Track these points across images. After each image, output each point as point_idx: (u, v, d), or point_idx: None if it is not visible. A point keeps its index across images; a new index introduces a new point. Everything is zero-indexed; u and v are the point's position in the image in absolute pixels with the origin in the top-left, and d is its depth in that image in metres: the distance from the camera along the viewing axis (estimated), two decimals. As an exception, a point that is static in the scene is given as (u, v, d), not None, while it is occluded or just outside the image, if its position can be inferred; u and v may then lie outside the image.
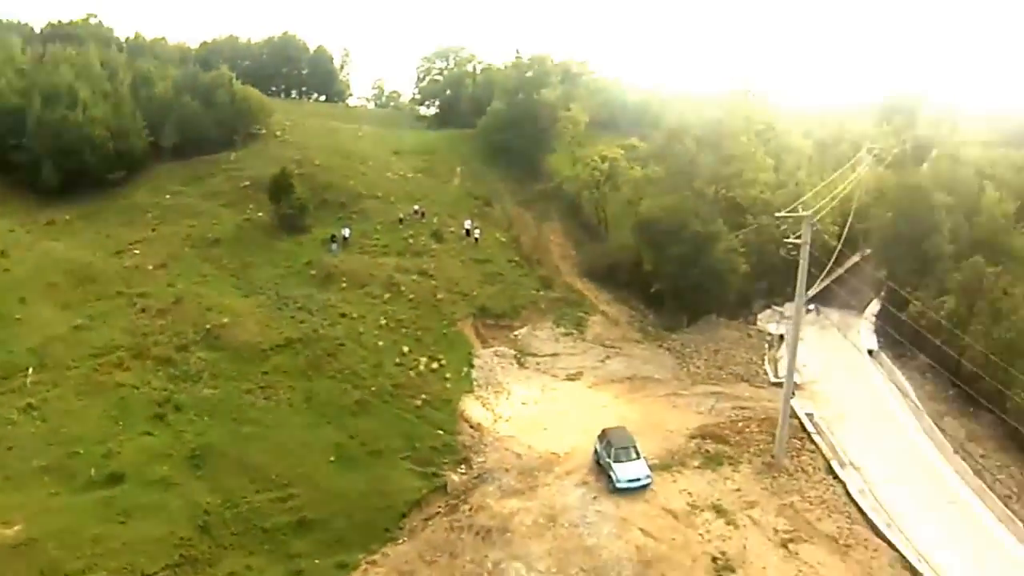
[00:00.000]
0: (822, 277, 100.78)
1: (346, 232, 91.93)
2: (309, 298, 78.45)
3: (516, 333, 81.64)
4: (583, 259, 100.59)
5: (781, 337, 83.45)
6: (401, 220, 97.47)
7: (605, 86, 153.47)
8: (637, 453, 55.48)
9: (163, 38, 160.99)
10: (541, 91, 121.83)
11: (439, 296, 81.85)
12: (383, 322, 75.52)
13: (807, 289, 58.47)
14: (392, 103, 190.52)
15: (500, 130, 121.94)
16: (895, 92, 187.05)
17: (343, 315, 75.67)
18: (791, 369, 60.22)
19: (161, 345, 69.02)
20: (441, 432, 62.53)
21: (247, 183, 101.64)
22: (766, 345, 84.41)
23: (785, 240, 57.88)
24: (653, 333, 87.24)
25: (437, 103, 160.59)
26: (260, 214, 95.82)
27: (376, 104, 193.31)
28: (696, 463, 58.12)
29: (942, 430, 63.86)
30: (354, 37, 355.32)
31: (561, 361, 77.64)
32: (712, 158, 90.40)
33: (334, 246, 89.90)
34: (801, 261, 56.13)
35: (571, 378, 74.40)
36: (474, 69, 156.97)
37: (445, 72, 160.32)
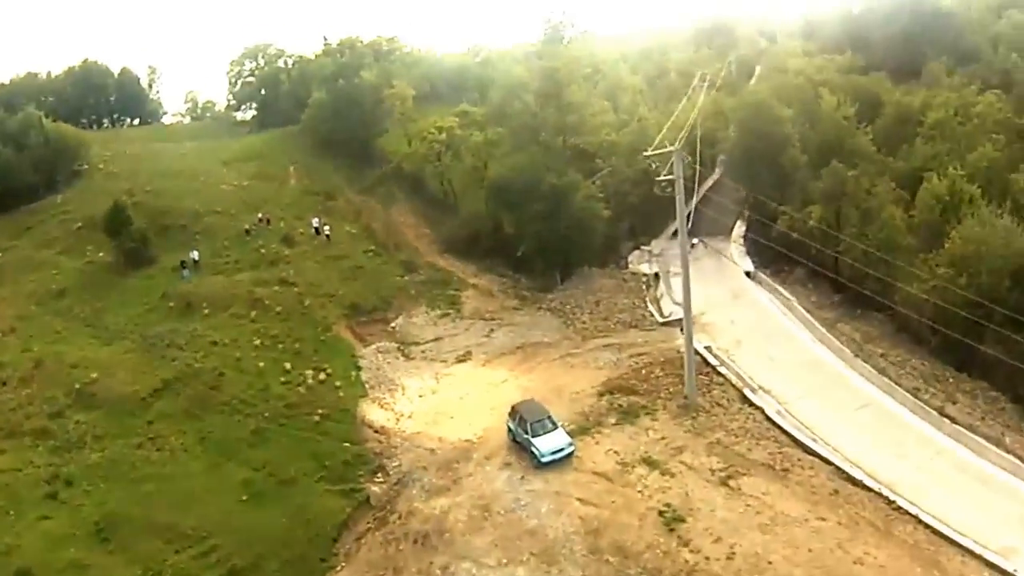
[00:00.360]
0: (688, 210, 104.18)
1: (195, 255, 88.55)
2: (175, 332, 74.92)
3: (393, 325, 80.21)
4: (439, 235, 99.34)
5: (656, 276, 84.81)
6: (247, 231, 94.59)
7: (420, 58, 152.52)
8: (553, 423, 54.66)
9: None
10: (360, 74, 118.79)
11: (306, 303, 79.58)
12: (257, 342, 72.97)
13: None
14: (208, 113, 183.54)
15: (325, 120, 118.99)
16: (708, 14, 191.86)
17: (214, 343, 72.69)
18: (688, 306, 60.20)
19: (33, 417, 64.53)
20: (348, 444, 60.84)
21: (80, 224, 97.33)
22: (644, 287, 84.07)
23: (658, 178, 57.63)
24: (530, 297, 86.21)
25: (254, 105, 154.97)
26: (101, 254, 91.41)
27: (192, 118, 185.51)
28: (613, 420, 57.69)
29: (838, 337, 64.91)
30: (156, 52, 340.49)
31: (446, 344, 76.55)
32: (552, 110, 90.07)
33: (185, 272, 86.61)
34: (677, 196, 56.54)
35: (461, 360, 73.35)
36: (287, 64, 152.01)
37: (256, 72, 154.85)
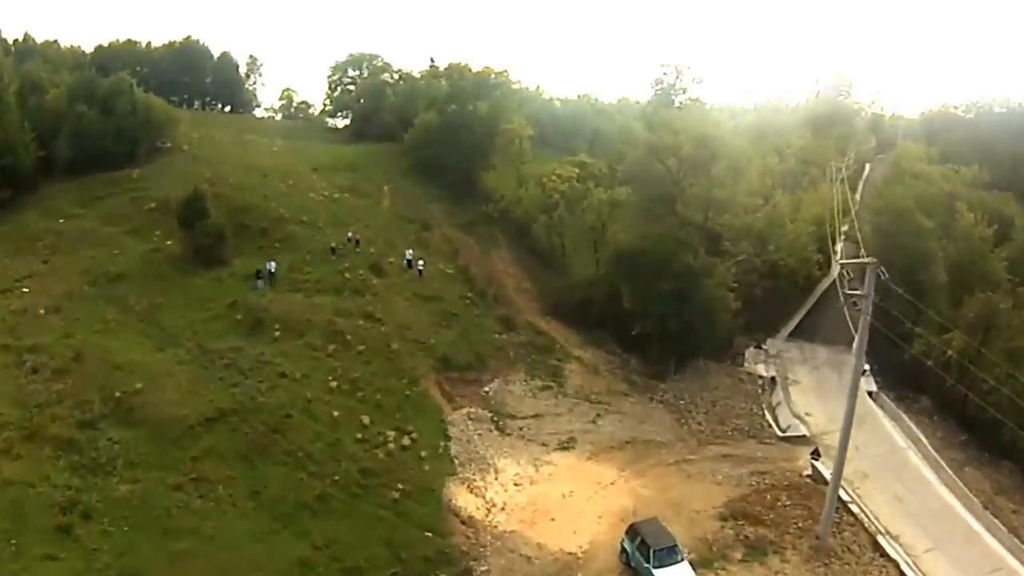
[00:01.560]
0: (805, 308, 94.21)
1: (272, 265, 78.17)
2: (238, 352, 64.23)
3: (487, 389, 69.31)
4: (543, 293, 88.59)
5: (773, 380, 78.32)
6: (334, 250, 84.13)
7: (529, 97, 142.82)
8: (679, 554, 46.84)
9: (55, 41, 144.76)
10: (476, 103, 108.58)
11: (393, 346, 68.68)
12: (333, 384, 62.05)
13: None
14: (301, 114, 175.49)
15: (431, 144, 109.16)
16: (823, 94, 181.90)
17: (283, 375, 61.86)
18: (841, 458, 51.63)
19: (60, 420, 53.27)
20: (430, 534, 49.46)
21: (153, 205, 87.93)
22: (760, 391, 76.84)
23: (849, 293, 48.49)
24: (640, 383, 76.26)
25: (349, 114, 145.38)
26: (169, 243, 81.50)
27: (285, 115, 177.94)
28: (739, 555, 49.99)
29: (966, 483, 58.98)
30: (259, 42, 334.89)
31: (547, 424, 65.73)
32: (698, 181, 78.79)
33: (259, 283, 76.12)
34: (863, 317, 47.83)
35: (564, 447, 62.65)
36: (394, 78, 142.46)
37: (358, 81, 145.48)
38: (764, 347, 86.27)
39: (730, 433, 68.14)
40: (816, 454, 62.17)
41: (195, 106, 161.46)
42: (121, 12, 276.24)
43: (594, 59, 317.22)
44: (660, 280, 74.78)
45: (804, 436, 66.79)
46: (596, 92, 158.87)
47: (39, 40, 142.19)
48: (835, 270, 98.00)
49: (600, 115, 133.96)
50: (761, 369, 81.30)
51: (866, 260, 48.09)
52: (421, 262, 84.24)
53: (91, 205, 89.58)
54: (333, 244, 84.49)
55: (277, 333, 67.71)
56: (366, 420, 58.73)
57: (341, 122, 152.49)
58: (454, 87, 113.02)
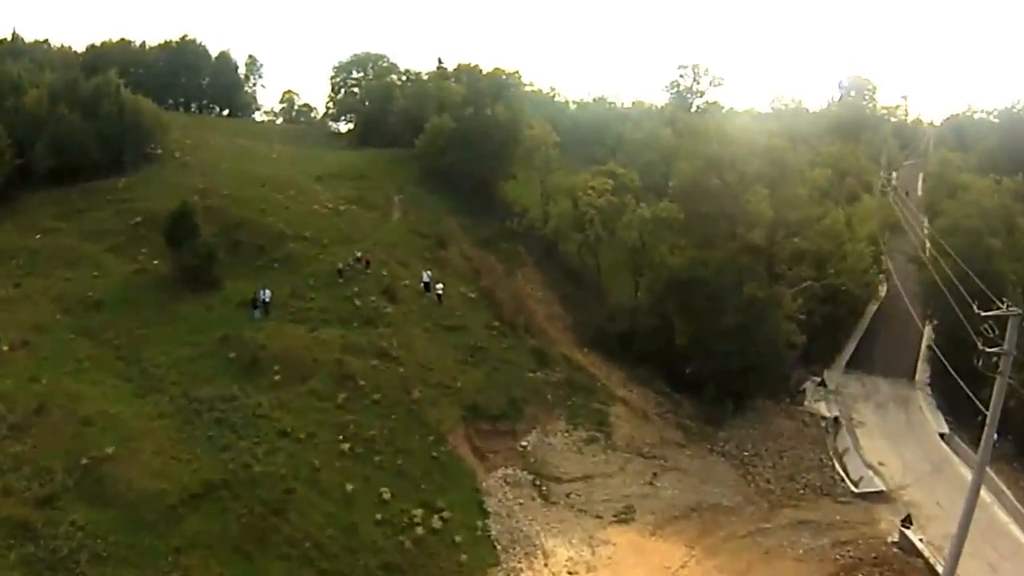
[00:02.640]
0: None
1: (266, 294, 66.65)
2: (231, 402, 53.37)
3: (524, 442, 58.65)
4: (579, 322, 77.15)
5: (836, 421, 70.32)
6: (340, 271, 72.72)
7: (546, 101, 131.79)
8: None
9: (45, 40, 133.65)
10: (495, 106, 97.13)
11: (414, 393, 57.53)
12: (345, 445, 51.00)
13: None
14: (303, 118, 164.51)
15: (444, 151, 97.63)
16: (846, 99, 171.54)
17: (284, 433, 50.91)
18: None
19: (14, 496, 42.36)
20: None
21: (139, 219, 77.03)
22: (825, 432, 68.81)
23: (987, 349, 37.15)
24: (695, 430, 65.82)
25: (354, 118, 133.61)
26: (155, 262, 70.83)
27: (286, 119, 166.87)
28: None
29: None
30: (259, 42, 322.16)
31: (598, 488, 55.14)
32: (768, 200, 67.42)
33: (256, 312, 64.97)
34: (999, 380, 36.38)
35: (621, 518, 52.24)
36: (401, 80, 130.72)
37: (363, 83, 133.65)
38: (821, 380, 77.59)
39: (802, 491, 59.69)
40: (907, 521, 53.64)
41: (192, 109, 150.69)
42: (120, 11, 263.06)
43: (602, 60, 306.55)
44: (720, 313, 63.94)
45: (881, 492, 59.32)
46: (613, 95, 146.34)
47: (29, 40, 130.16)
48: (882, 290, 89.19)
49: (622, 120, 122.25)
50: (823, 408, 72.56)
51: (1013, 311, 36.80)
52: (440, 286, 73.01)
53: (71, 219, 78.63)
54: (340, 265, 73.23)
55: (276, 377, 56.67)
56: (386, 493, 47.69)
57: (345, 126, 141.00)
58: (471, 89, 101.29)
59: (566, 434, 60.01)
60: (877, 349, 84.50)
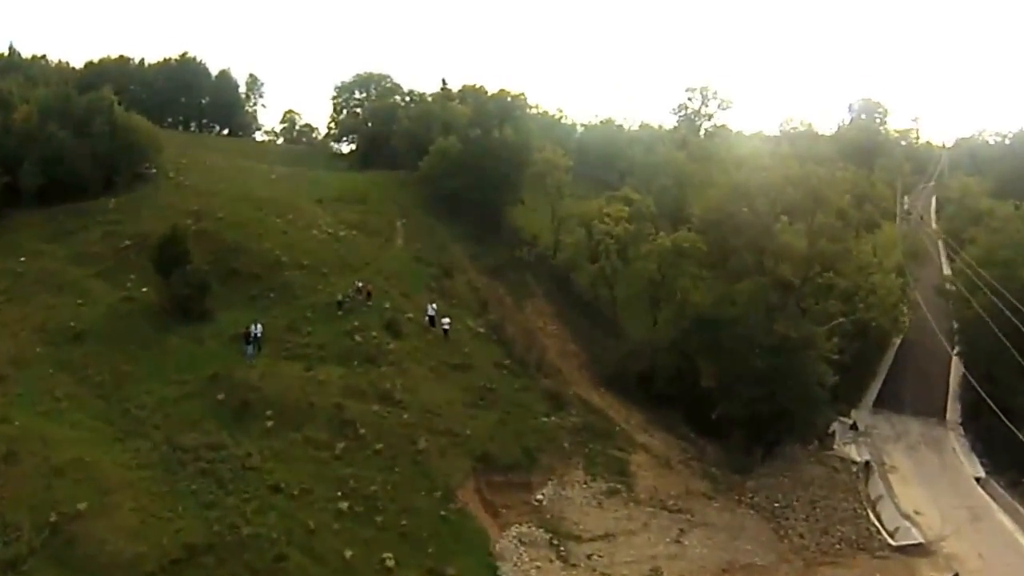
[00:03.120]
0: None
1: (257, 329, 61.15)
2: (218, 451, 48.29)
3: (539, 496, 53.23)
4: (594, 359, 71.96)
5: (868, 465, 66.69)
6: (340, 303, 67.35)
7: (553, 123, 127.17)
8: None
9: (43, 56, 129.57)
10: (503, 128, 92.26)
11: (419, 443, 52.26)
12: (343, 504, 45.79)
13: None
14: (305, 138, 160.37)
15: (449, 174, 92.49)
16: (856, 121, 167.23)
17: (276, 489, 45.73)
18: None
19: (-25, 560, 37.19)
20: None
21: (128, 242, 71.82)
22: (857, 479, 64.50)
23: None
24: (722, 479, 60.57)
25: (356, 139, 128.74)
26: (144, 289, 65.47)
27: (287, 139, 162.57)
28: None
29: None
30: (261, 61, 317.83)
31: (621, 547, 49.60)
32: (802, 231, 62.40)
33: (249, 348, 59.35)
34: None
35: None
36: (405, 100, 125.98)
37: (366, 103, 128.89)
38: (849, 421, 73.52)
39: (838, 546, 55.28)
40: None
41: (192, 128, 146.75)
42: (121, 27, 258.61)
43: (606, 82, 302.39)
44: (750, 355, 58.53)
45: (919, 544, 55.67)
46: (620, 117, 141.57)
47: (26, 55, 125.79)
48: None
49: (632, 144, 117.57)
50: (853, 452, 68.33)
51: None
52: (446, 320, 67.84)
53: (59, 241, 73.46)
54: (339, 296, 68.00)
55: (269, 423, 51.58)
56: (390, 560, 42.38)
57: (347, 147, 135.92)
58: (477, 110, 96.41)
59: (584, 485, 54.63)
60: (904, 386, 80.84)
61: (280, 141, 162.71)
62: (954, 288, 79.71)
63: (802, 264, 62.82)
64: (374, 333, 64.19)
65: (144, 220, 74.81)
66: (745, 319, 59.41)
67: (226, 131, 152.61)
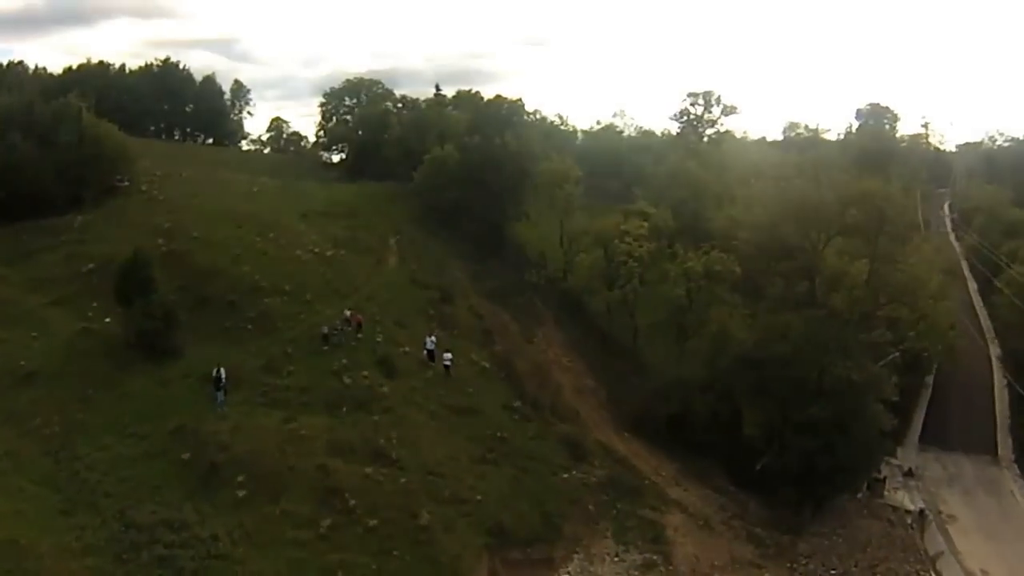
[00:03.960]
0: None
1: (222, 373, 51.18)
2: (179, 532, 39.06)
3: (565, 574, 42.72)
4: (615, 397, 63.25)
5: (922, 513, 59.83)
6: (326, 337, 58.43)
7: (552, 129, 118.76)
8: None
9: (20, 62, 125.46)
10: (504, 135, 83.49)
11: (421, 516, 43.15)
12: (332, 602, 35.84)
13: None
14: (293, 147, 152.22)
15: (447, 186, 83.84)
16: (865, 126, 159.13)
17: (250, 583, 35.70)
18: None
19: None
20: None
21: (92, 266, 62.70)
22: (913, 531, 57.95)
23: None
24: (769, 541, 52.04)
25: (346, 147, 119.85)
26: (107, 320, 56.64)
27: (274, 148, 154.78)
28: None
29: None
30: (247, 64, 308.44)
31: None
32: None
33: (220, 396, 50.28)
34: None
35: None
36: (398, 107, 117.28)
37: (356, 110, 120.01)
38: (898, 463, 66.31)
39: None
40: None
41: (176, 136, 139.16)
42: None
43: (603, 87, 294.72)
44: (804, 401, 49.27)
45: None
46: (622, 123, 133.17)
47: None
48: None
49: (640, 151, 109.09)
50: (906, 500, 61.34)
51: None
52: (448, 355, 58.92)
53: (16, 263, 64.27)
54: (325, 329, 59.04)
55: (241, 492, 42.26)
56: None
57: (337, 156, 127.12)
58: (476, 115, 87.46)
59: (616, 559, 45.77)
60: (949, 418, 74.14)
61: (267, 150, 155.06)
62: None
63: (863, 295, 53.82)
64: (365, 373, 55.47)
65: (111, 239, 65.83)
66: (798, 358, 50.31)
67: (211, 140, 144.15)
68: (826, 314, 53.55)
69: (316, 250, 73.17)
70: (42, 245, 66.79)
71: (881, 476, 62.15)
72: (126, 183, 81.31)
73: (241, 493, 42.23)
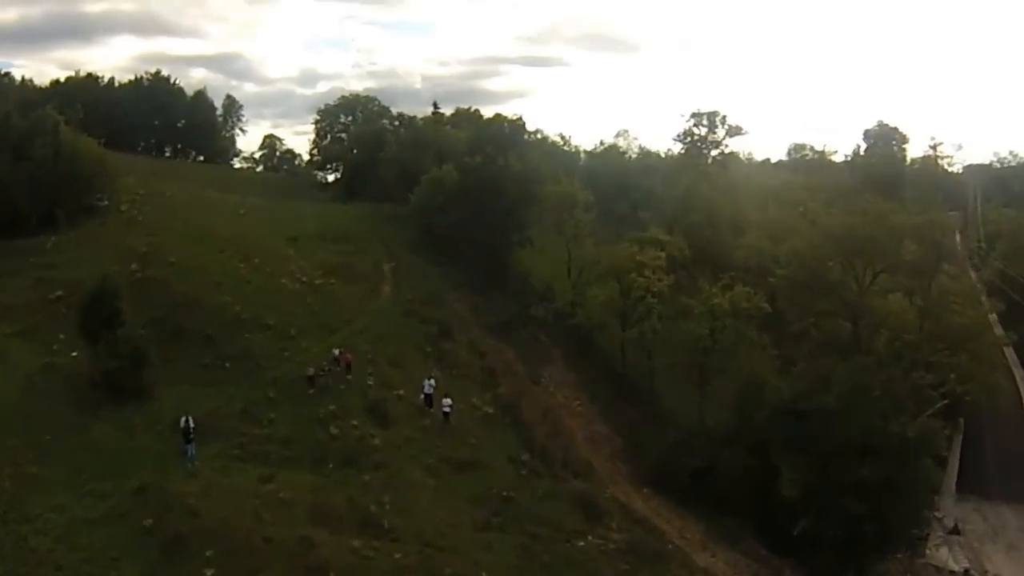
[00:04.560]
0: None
1: (189, 423, 44.21)
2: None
3: None
4: (631, 446, 56.69)
5: (967, 574, 53.57)
6: (311, 379, 52.08)
7: (554, 149, 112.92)
8: None
9: (6, 73, 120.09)
10: (507, 155, 77.57)
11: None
12: None
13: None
14: (286, 165, 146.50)
15: (446, 209, 78.09)
16: (873, 148, 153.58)
17: None
18: None
19: None
20: None
21: (60, 292, 56.62)
22: None
23: None
24: None
25: (341, 167, 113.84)
26: (74, 354, 50.30)
27: (267, 166, 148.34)
28: None
29: None
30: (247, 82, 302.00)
31: None
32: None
33: (190, 449, 43.57)
34: None
35: None
36: (394, 125, 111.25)
37: (351, 128, 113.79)
38: (938, 515, 58.78)
39: None
40: None
41: (166, 153, 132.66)
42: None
43: (596, 106, 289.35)
44: (851, 458, 43.01)
45: None
46: (625, 143, 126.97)
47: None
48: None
49: (647, 172, 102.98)
50: (950, 560, 55.31)
51: None
52: (447, 401, 52.45)
53: (-16, 288, 57.47)
54: (311, 370, 52.64)
55: (210, 571, 35.36)
56: None
57: (332, 176, 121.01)
58: (478, 134, 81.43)
59: (640, 641, 39.13)
60: (985, 462, 68.04)
61: (260, 168, 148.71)
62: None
63: (917, 340, 47.55)
64: (354, 421, 49.57)
65: (83, 263, 59.72)
66: (844, 412, 44.02)
67: (202, 157, 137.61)
68: (874, 361, 47.14)
69: (304, 278, 67.25)
70: (9, 268, 60.87)
71: (923, 533, 55.88)
72: (105, 202, 75.80)
73: (209, 572, 35.77)
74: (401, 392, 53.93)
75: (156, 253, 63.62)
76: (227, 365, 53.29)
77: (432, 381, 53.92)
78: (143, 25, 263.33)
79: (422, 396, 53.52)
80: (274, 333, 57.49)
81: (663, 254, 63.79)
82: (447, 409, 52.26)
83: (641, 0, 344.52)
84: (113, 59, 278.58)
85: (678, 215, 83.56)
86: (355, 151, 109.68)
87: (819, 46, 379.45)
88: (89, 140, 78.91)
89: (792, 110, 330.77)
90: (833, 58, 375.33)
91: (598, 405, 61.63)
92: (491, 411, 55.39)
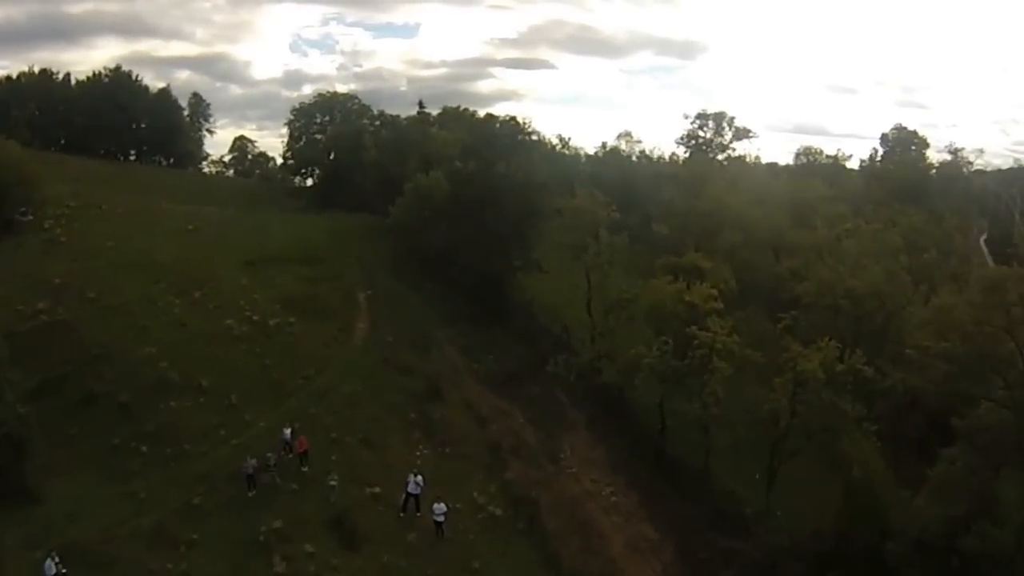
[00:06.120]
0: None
1: (51, 569, 29.50)
2: None
3: None
4: (685, 553, 41.18)
5: None
6: (251, 478, 36.83)
7: (553, 153, 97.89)
8: None
9: None
10: (509, 159, 61.74)
11: None
12: None
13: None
14: (258, 169, 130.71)
15: (434, 223, 62.33)
16: (891, 152, 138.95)
17: None
18: None
19: None
20: None
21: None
22: None
23: None
24: None
25: (316, 172, 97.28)
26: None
27: (237, 171, 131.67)
28: None
29: None
30: (232, 83, 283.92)
31: None
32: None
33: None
34: None
35: None
36: (375, 125, 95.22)
37: (328, 129, 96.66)
38: None
39: None
40: None
41: (132, 157, 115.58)
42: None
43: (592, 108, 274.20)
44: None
45: None
46: (628, 147, 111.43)
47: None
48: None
49: (659, 179, 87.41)
50: None
51: None
52: (440, 507, 36.30)
53: None
54: (251, 467, 36.82)
55: None
56: None
57: (310, 181, 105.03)
58: (472, 135, 65.23)
59: None
60: None
61: (230, 172, 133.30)
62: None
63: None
64: (309, 546, 33.24)
65: (-12, 297, 45.92)
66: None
67: (170, 161, 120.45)
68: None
69: (256, 317, 51.72)
70: None
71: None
72: (29, 217, 60.51)
73: None
74: (377, 490, 38.00)
75: (72, 286, 49.57)
76: (143, 449, 39.05)
77: (419, 479, 37.72)
78: (127, 26, 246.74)
79: (405, 496, 37.48)
80: (208, 401, 42.44)
81: (715, 292, 47.61)
82: (440, 518, 36.26)
83: (627, 2, 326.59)
84: (97, 60, 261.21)
85: (707, 232, 67.62)
86: (332, 155, 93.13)
87: (819, 46, 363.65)
88: (8, 143, 64.16)
89: (792, 110, 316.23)
90: (832, 58, 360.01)
91: (637, 494, 44.98)
92: (499, 512, 39.28)
